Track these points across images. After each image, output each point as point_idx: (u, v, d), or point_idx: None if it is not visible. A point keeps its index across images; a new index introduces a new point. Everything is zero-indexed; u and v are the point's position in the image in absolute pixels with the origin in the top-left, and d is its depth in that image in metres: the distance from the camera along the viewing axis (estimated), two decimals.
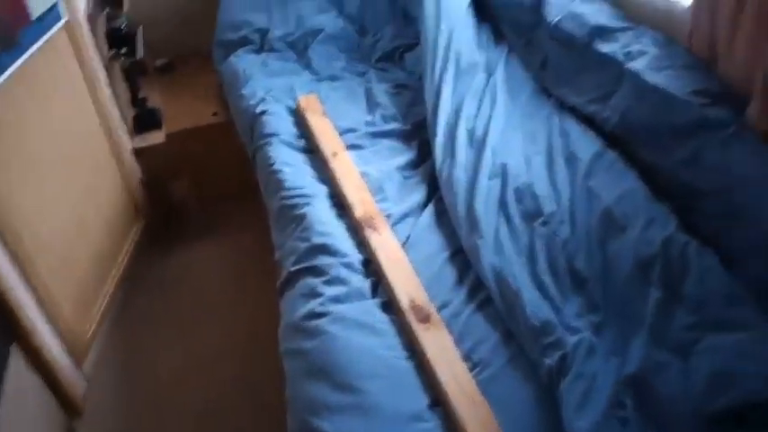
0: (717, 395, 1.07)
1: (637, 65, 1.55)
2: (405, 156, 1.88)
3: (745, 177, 1.27)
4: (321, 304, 1.37)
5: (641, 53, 1.58)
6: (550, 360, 1.22)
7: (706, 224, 1.34)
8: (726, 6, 1.32)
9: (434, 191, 1.74)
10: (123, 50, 2.30)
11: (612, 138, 1.61)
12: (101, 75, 2.18)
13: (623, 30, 1.68)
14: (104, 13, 2.28)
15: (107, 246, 2.19)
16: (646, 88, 1.50)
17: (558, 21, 1.82)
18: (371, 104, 2.11)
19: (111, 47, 2.30)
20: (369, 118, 2.05)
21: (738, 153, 1.28)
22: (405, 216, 1.67)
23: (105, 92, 2.21)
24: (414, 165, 1.86)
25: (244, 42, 2.45)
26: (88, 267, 2.05)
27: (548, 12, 1.87)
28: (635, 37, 1.64)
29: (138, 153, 2.44)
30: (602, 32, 1.70)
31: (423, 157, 1.87)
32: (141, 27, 2.44)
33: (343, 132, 1.96)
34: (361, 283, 1.47)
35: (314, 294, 1.41)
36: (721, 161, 1.31)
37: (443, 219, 1.65)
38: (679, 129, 1.41)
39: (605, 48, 1.66)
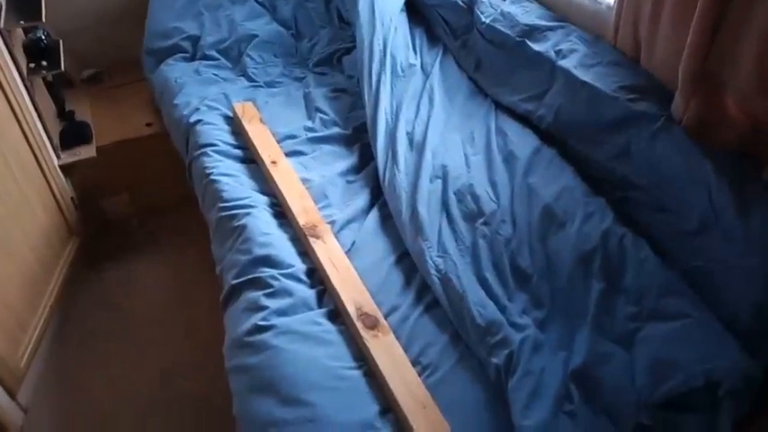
0: (659, 383, 1.10)
1: (567, 63, 1.58)
2: (347, 160, 1.86)
3: (670, 170, 1.31)
4: (265, 318, 1.34)
5: (571, 51, 1.61)
6: (497, 359, 1.23)
7: (639, 215, 1.38)
8: (647, 5, 1.36)
9: (378, 194, 1.73)
10: (44, 63, 2.18)
11: (548, 135, 1.64)
12: (21, 89, 2.07)
13: (552, 29, 1.71)
14: (20, 24, 2.15)
15: (37, 268, 2.07)
16: (577, 85, 1.53)
17: (491, 21, 1.84)
18: (311, 110, 2.08)
19: (30, 60, 2.18)
20: (309, 123, 2.01)
21: (665, 147, 1.32)
22: (349, 222, 1.66)
23: (27, 107, 2.09)
24: (356, 169, 1.84)
25: (175, 50, 2.37)
26: (18, 292, 1.94)
27: (480, 13, 1.89)
28: (564, 35, 1.67)
29: (68, 169, 2.33)
30: (533, 31, 1.73)
31: (365, 161, 1.86)
32: (63, 38, 2.33)
33: (283, 139, 1.93)
34: (306, 293, 1.44)
35: (257, 308, 1.37)
36: (649, 154, 1.35)
37: (388, 222, 1.64)
38: (609, 124, 1.45)
39: (537, 46, 1.69)
